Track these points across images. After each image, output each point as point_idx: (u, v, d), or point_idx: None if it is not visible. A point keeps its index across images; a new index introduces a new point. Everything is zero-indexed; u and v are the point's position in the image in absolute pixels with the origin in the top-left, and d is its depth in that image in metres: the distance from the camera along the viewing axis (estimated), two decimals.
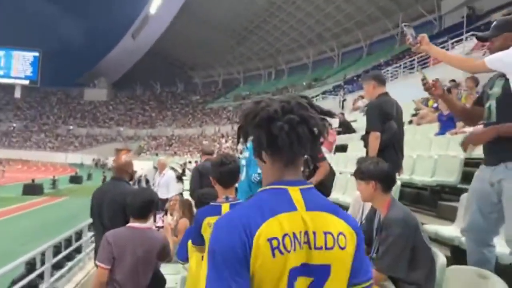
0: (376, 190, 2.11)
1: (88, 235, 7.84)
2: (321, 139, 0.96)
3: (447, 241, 2.70)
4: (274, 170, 0.97)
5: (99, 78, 68.35)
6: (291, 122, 0.90)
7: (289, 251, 0.88)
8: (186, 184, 8.53)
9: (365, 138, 3.30)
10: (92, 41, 64.54)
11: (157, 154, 42.04)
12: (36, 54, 66.63)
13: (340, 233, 0.95)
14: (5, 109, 65.65)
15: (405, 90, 9.53)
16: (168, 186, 7.01)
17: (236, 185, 2.32)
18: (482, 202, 2.04)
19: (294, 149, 0.91)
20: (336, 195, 4.65)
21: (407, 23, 2.27)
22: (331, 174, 3.51)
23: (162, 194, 6.54)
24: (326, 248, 0.93)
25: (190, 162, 24.45)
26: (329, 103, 19.22)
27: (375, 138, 3.14)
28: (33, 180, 21.94)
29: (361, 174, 2.16)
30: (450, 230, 2.75)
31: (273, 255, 0.87)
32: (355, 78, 30.36)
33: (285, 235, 0.88)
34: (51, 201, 19.17)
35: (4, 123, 62.24)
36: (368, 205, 2.41)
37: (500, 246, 2.11)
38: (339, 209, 1.01)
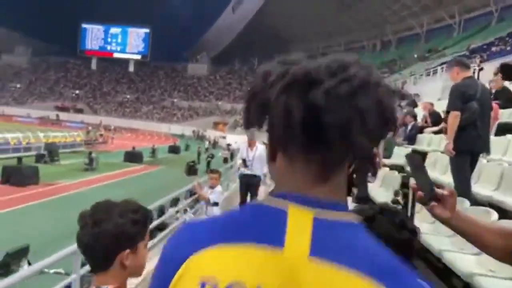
0: None
1: (170, 211, 7.66)
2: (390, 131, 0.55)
3: None
4: (300, 176, 0.53)
5: (201, 53, 70.79)
6: (347, 85, 0.49)
7: None
8: None
9: (445, 118, 3.78)
10: (197, 17, 66.61)
11: None
12: (147, 30, 71.42)
13: None
14: (120, 82, 72.30)
15: None
16: (261, 161, 6.15)
17: None
18: None
19: (349, 134, 0.49)
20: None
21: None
22: None
23: (256, 170, 6.28)
24: None
25: None
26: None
27: (454, 117, 3.44)
28: (133, 148, 22.96)
29: None
30: None
31: None
32: (484, 47, 25.33)
33: (233, 284, 0.48)
34: (147, 169, 19.74)
35: (120, 95, 68.70)
36: None
37: None
38: (396, 270, 0.49)
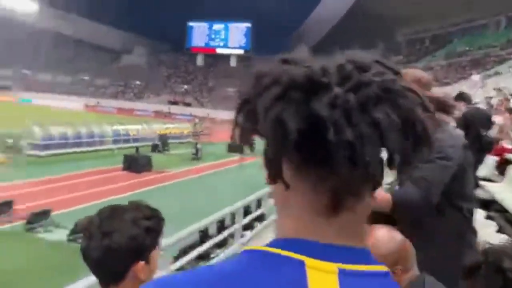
0: None
1: (270, 202, 7.95)
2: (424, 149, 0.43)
3: None
4: (307, 209, 0.44)
5: (299, 43, 70.39)
6: (363, 92, 0.40)
7: None
8: None
9: None
10: (297, 6, 66.43)
11: None
12: (249, 25, 73.50)
13: None
14: (223, 76, 76.04)
15: None
16: None
17: None
18: None
19: (362, 156, 0.39)
20: None
21: None
22: None
23: None
24: None
25: None
26: None
27: None
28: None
29: None
30: None
31: None
32: None
33: None
34: (247, 160, 20.32)
35: (223, 89, 72.33)
36: None
37: None
38: None
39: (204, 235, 6.40)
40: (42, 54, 68.29)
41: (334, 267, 0.40)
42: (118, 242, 0.97)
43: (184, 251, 5.42)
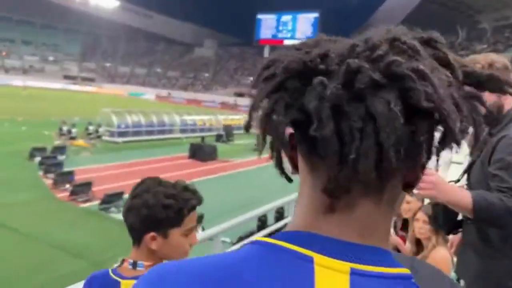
0: None
1: None
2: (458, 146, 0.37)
3: None
4: (310, 204, 0.41)
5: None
6: (354, 79, 0.35)
7: None
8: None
9: None
10: None
11: None
12: (316, 15, 72.14)
13: None
14: None
15: None
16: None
17: None
18: None
19: (348, 152, 0.35)
20: None
21: None
22: None
23: None
24: None
25: None
26: None
27: None
28: None
29: None
30: None
31: None
32: None
33: None
34: None
35: None
36: None
37: None
38: None
39: (262, 224, 6.45)
40: (121, 47, 73.58)
41: (346, 266, 0.36)
42: (135, 205, 1.09)
43: (242, 238, 5.52)
